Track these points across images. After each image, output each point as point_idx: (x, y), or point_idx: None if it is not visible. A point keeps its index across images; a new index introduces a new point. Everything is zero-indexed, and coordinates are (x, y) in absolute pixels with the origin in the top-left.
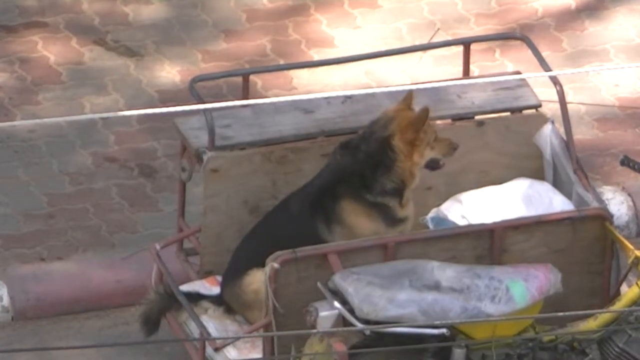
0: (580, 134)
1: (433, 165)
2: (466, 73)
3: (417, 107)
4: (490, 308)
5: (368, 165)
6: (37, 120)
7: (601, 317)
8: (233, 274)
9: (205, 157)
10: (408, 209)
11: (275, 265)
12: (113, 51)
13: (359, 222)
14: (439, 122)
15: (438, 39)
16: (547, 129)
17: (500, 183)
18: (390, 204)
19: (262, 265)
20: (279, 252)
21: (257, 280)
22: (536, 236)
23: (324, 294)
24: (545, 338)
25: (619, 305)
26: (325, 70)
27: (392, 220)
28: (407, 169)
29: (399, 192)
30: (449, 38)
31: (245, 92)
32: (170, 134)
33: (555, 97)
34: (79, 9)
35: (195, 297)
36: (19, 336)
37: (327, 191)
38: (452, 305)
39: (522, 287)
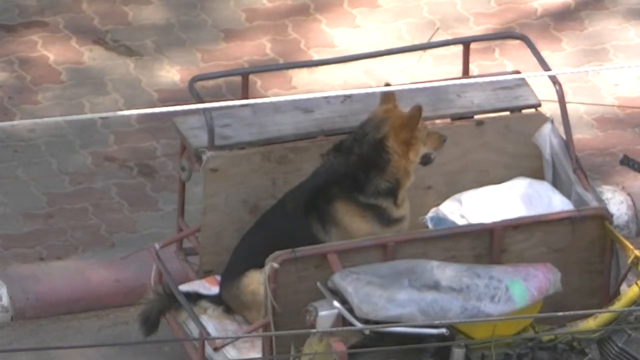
0: (580, 133)
1: (425, 160)
2: (466, 72)
3: (411, 107)
4: (489, 308)
5: (361, 167)
6: (37, 120)
7: (601, 317)
8: (231, 274)
9: (204, 157)
10: (404, 209)
11: (275, 265)
12: (113, 51)
13: (354, 223)
14: (438, 121)
15: (438, 38)
16: (547, 128)
17: (500, 182)
18: (384, 205)
19: (260, 265)
20: (278, 252)
21: (255, 281)
22: (536, 236)
23: (323, 294)
24: (545, 338)
25: (618, 305)
26: (325, 70)
27: (388, 220)
28: (403, 168)
29: (393, 193)
30: (449, 37)
31: (245, 91)
32: (170, 133)
33: (555, 97)
34: (79, 8)
35: (195, 297)
36: (19, 336)
37: (322, 193)
38: (452, 304)
39: (521, 286)
